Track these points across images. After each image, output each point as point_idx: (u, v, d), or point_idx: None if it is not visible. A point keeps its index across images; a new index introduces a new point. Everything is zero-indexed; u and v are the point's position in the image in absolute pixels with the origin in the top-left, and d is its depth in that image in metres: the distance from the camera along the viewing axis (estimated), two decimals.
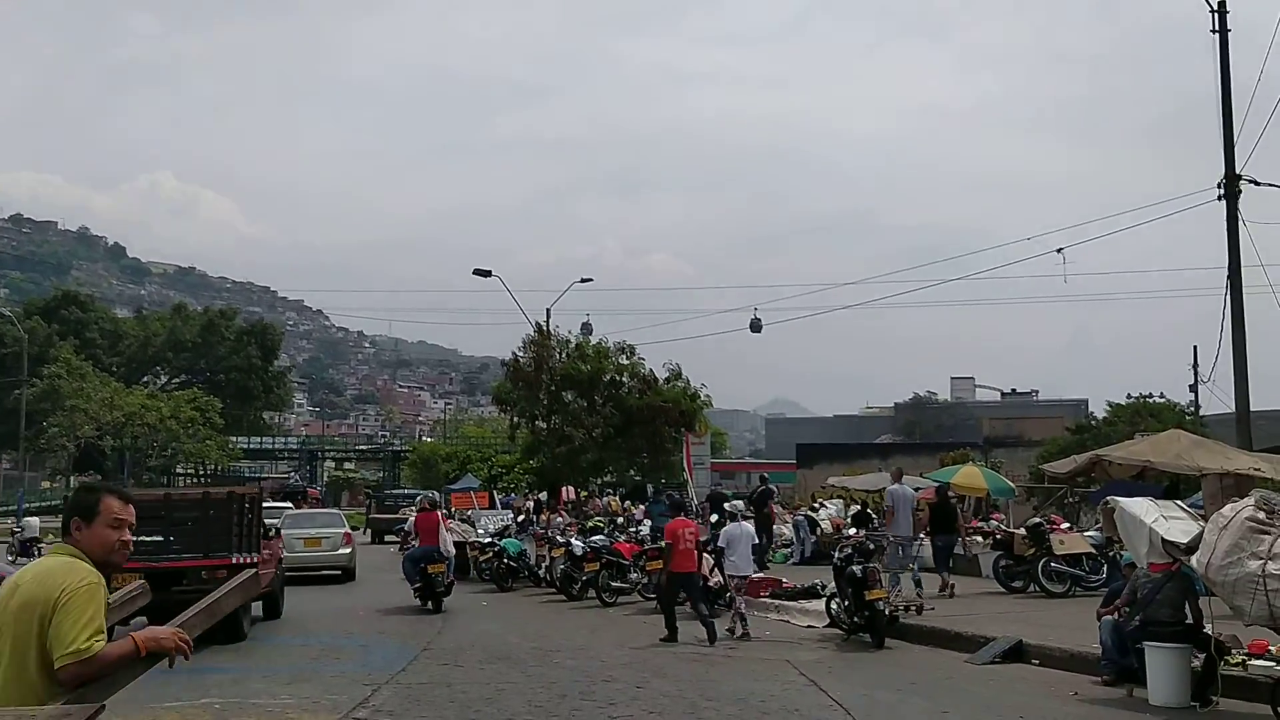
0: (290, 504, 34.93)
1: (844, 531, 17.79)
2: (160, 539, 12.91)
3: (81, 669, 3.19)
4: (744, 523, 14.71)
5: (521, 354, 36.54)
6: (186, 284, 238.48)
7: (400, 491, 54.44)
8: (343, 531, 23.42)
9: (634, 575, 17.57)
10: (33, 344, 62.54)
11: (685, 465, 34.73)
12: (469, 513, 30.13)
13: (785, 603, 15.61)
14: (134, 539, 3.79)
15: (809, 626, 14.09)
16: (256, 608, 14.80)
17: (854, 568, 12.45)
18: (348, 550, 22.76)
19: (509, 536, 21.91)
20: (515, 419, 38.89)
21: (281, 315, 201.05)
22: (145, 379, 78.99)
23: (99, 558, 3.45)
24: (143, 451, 58.33)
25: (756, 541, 15.06)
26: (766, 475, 27.46)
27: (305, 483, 68.73)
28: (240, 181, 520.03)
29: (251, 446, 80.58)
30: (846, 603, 12.76)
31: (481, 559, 21.61)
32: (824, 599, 14.19)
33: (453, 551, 17.57)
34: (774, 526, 25.19)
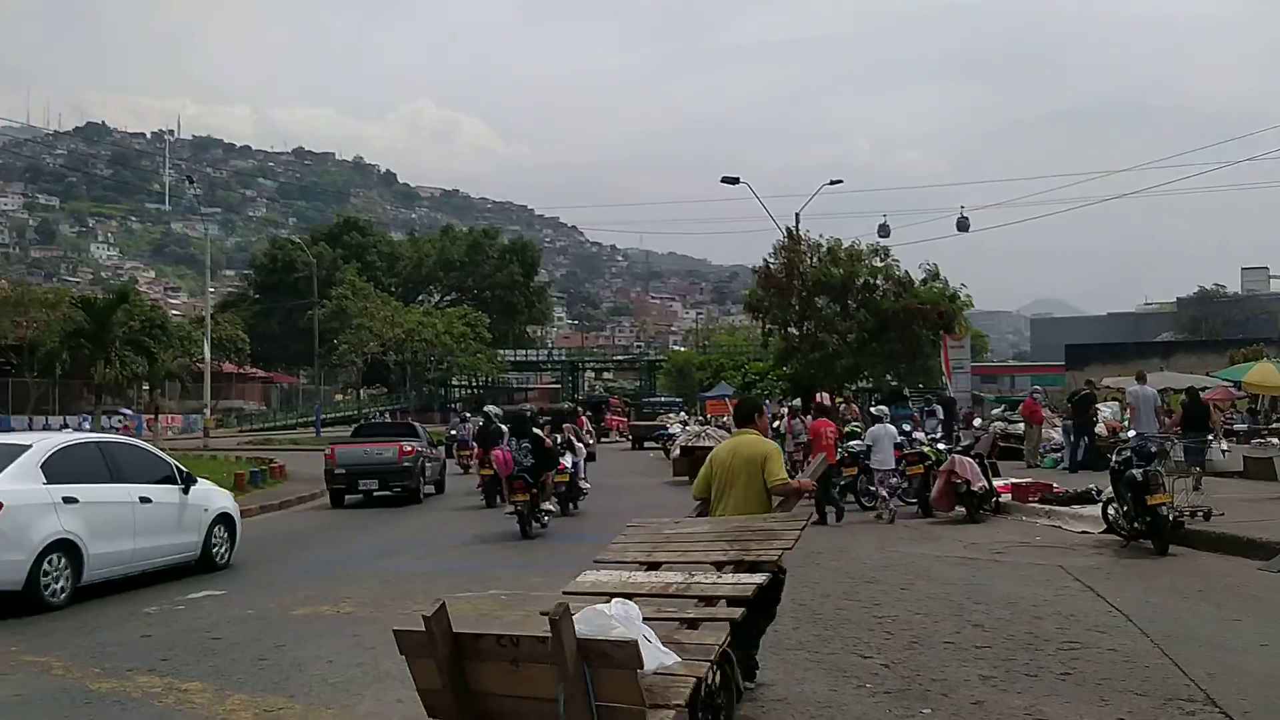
0: (592, 412, 40.94)
1: (1121, 435, 16.87)
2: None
3: (782, 488, 6.44)
4: (888, 424, 16.53)
5: (772, 260, 36.37)
6: (451, 206, 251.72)
7: (657, 400, 56.04)
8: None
9: (894, 480, 17.37)
10: (320, 267, 67.93)
11: (944, 369, 33.77)
12: (724, 419, 30.67)
13: (1056, 508, 15.02)
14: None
15: (1083, 533, 13.50)
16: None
17: (1134, 471, 11.78)
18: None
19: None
20: (767, 326, 38.93)
21: (539, 232, 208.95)
22: (420, 297, 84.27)
23: (763, 434, 6.91)
24: (422, 365, 62.56)
25: (898, 441, 16.48)
26: (1093, 381, 25.77)
27: (605, 395, 72.99)
28: (494, 105, 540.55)
29: (517, 359, 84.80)
30: (1125, 508, 12.11)
31: None
32: (1099, 504, 13.56)
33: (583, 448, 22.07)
34: (1044, 430, 24.16)
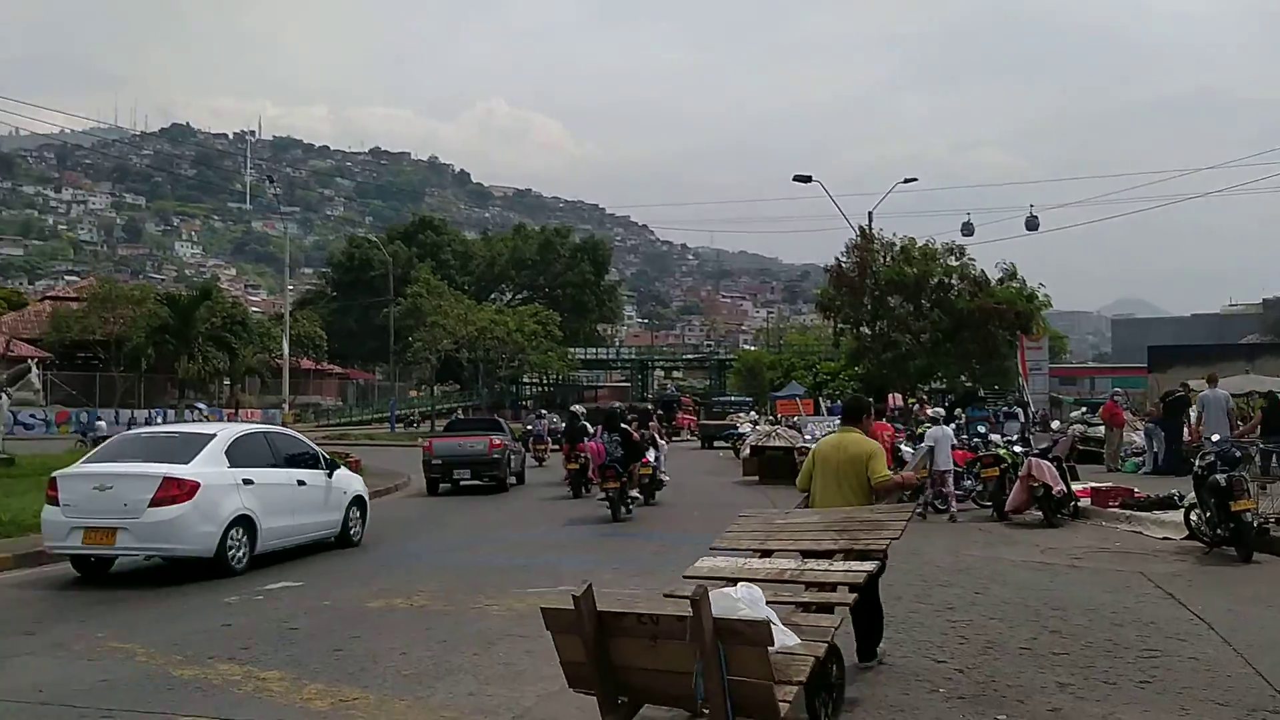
0: (664, 411, 42.08)
1: (1204, 439, 16.42)
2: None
3: (884, 484, 6.85)
4: (945, 426, 17.07)
5: (844, 259, 36.06)
6: (524, 205, 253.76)
7: (727, 399, 55.86)
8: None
9: (968, 483, 17.14)
10: (396, 266, 68.87)
11: (1020, 370, 33.17)
12: (795, 419, 30.43)
13: (1137, 513, 14.66)
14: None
15: (1164, 539, 13.17)
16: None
17: (1217, 476, 11.45)
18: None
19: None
20: (839, 325, 38.64)
21: (610, 231, 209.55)
22: (493, 295, 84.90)
23: (867, 433, 7.29)
24: (493, 363, 63.06)
25: (955, 443, 17.10)
26: (1187, 383, 25.12)
27: (677, 394, 73.21)
28: (566, 104, 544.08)
29: (587, 357, 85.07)
30: (1208, 514, 11.79)
31: None
32: (1181, 510, 13.21)
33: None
34: (1125, 433, 23.59)
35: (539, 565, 11.80)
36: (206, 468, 11.02)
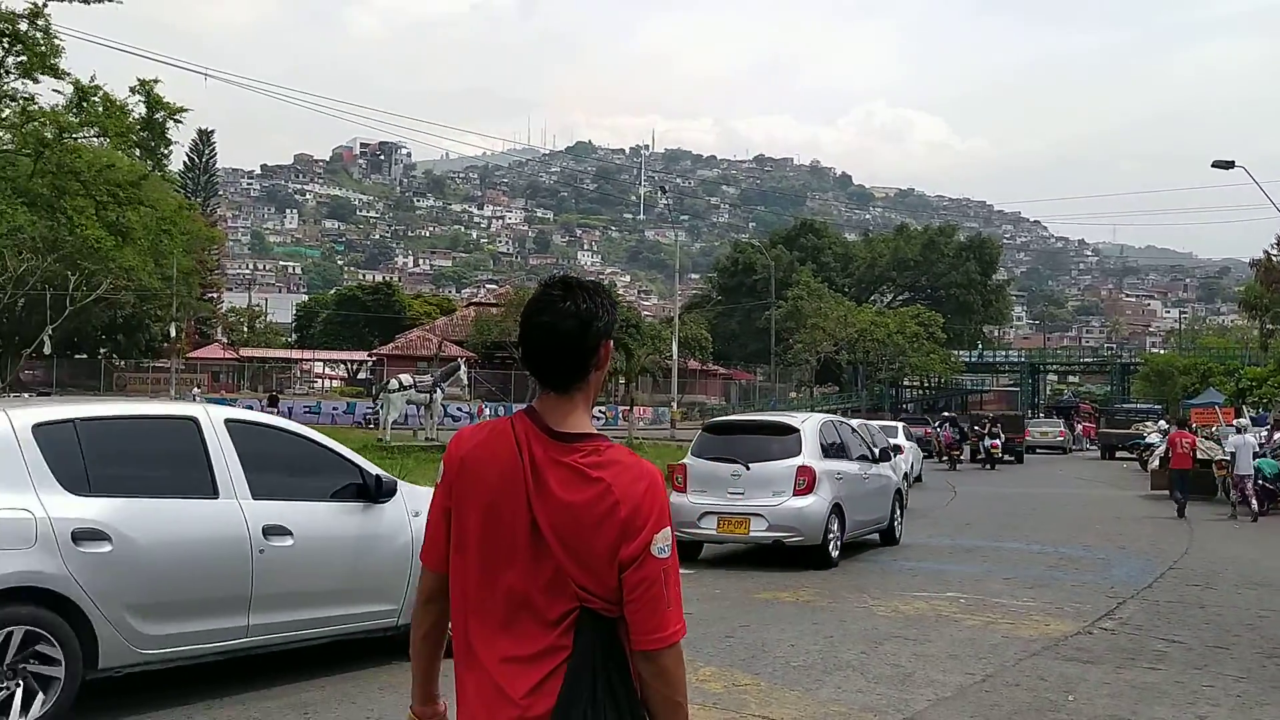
0: (1060, 416, 49.10)
1: None
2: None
3: None
4: (1247, 435, 18.73)
5: (1275, 252, 32.22)
6: (906, 205, 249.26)
7: (1131, 406, 51.56)
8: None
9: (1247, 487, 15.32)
10: (778, 270, 70.00)
11: None
12: (1214, 429, 27.66)
13: None
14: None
15: None
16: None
17: None
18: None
19: (1263, 456, 19.61)
20: (1267, 325, 34.57)
21: (998, 228, 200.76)
22: (873, 297, 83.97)
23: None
24: (873, 365, 62.40)
25: (1258, 450, 18.62)
26: None
27: (1074, 400, 70.00)
28: (948, 100, 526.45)
29: (972, 360, 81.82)
30: None
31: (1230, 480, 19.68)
32: None
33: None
34: None
35: (926, 570, 11.62)
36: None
